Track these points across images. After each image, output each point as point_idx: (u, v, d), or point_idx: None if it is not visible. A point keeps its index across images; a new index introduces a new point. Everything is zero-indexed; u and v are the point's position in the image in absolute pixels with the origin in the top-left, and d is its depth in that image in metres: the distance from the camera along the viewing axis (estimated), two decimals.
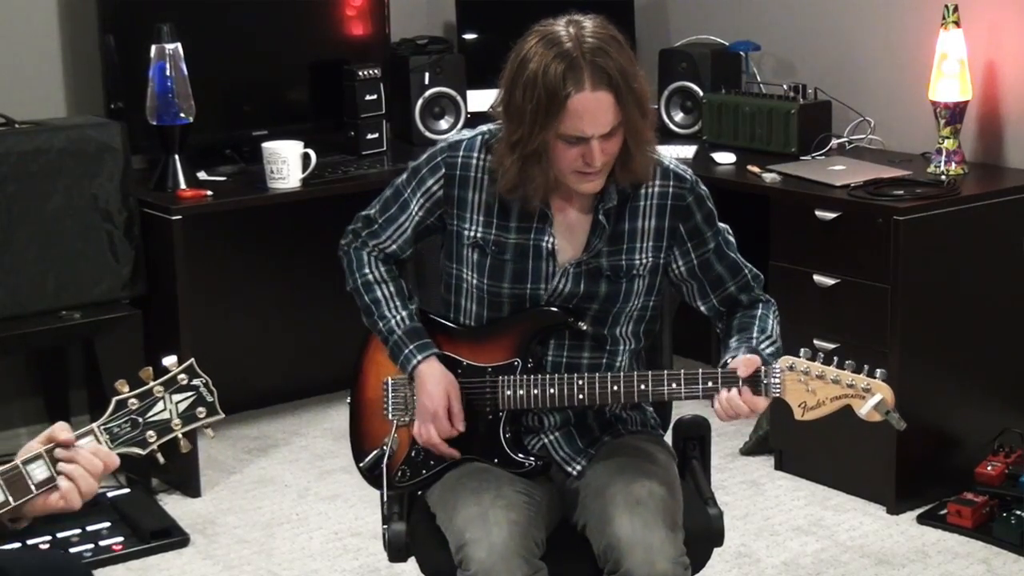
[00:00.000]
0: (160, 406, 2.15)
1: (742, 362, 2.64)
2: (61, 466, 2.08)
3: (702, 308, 2.84)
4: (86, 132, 4.19)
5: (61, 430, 2.11)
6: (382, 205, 2.85)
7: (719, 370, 2.65)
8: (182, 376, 2.17)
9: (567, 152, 2.62)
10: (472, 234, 2.76)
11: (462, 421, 2.75)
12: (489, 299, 2.78)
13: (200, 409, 2.17)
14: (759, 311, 2.81)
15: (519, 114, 2.61)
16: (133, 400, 2.13)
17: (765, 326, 2.77)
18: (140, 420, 2.13)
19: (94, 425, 2.12)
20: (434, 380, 2.75)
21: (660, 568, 2.57)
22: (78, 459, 2.08)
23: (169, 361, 2.17)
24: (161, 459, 2.18)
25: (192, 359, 2.18)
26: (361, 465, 2.87)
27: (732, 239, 2.83)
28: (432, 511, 2.78)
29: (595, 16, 2.66)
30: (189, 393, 2.16)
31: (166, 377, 2.16)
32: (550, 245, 2.73)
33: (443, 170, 2.77)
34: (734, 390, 2.62)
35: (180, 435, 2.16)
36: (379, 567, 3.86)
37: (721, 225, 2.82)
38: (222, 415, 2.19)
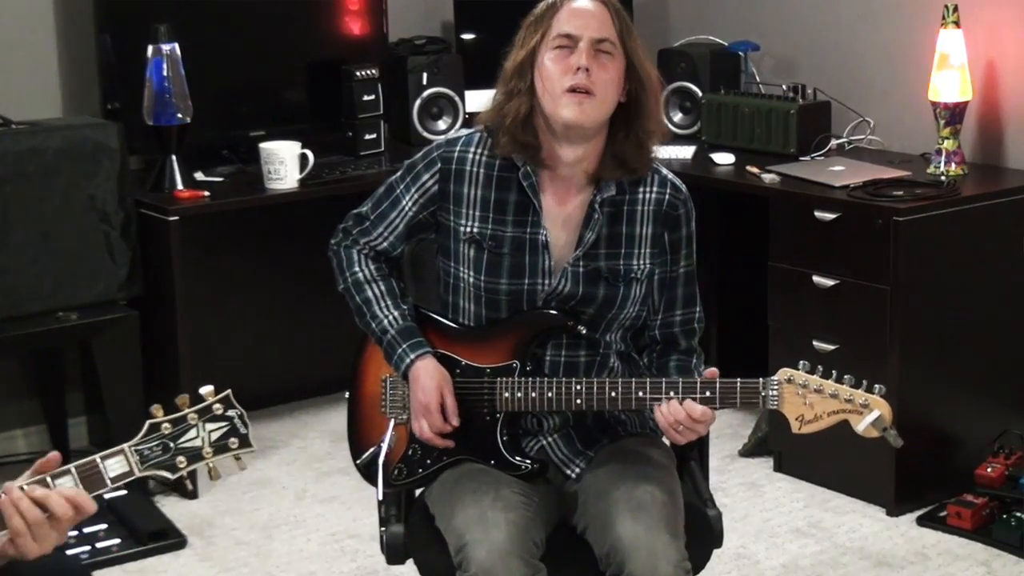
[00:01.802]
0: (193, 433, 2.16)
1: (714, 371, 2.65)
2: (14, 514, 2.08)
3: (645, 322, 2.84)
4: (83, 132, 4.18)
5: (48, 461, 2.12)
6: (374, 202, 2.85)
7: (716, 381, 2.63)
8: (217, 406, 2.18)
9: (556, 64, 2.66)
10: (468, 229, 2.75)
11: (456, 416, 2.73)
12: (487, 297, 2.76)
13: (233, 440, 2.19)
14: (693, 361, 2.82)
15: (519, 42, 2.71)
16: (166, 425, 2.15)
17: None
18: (172, 445, 2.15)
19: (124, 446, 2.14)
20: (427, 375, 2.74)
21: (663, 572, 2.56)
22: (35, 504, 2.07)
23: (205, 390, 2.19)
24: (189, 485, 2.21)
25: (229, 391, 2.20)
26: (358, 462, 2.87)
27: (695, 277, 2.85)
28: (431, 512, 2.77)
29: None
30: (223, 423, 2.18)
31: (201, 405, 2.18)
32: (544, 238, 2.73)
33: (439, 164, 2.77)
34: (673, 400, 2.62)
35: (210, 464, 2.19)
36: (377, 569, 3.85)
37: (695, 256, 2.83)
38: (254, 448, 2.21)
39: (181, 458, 2.15)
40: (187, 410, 2.17)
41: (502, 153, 2.74)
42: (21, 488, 2.10)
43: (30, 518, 2.07)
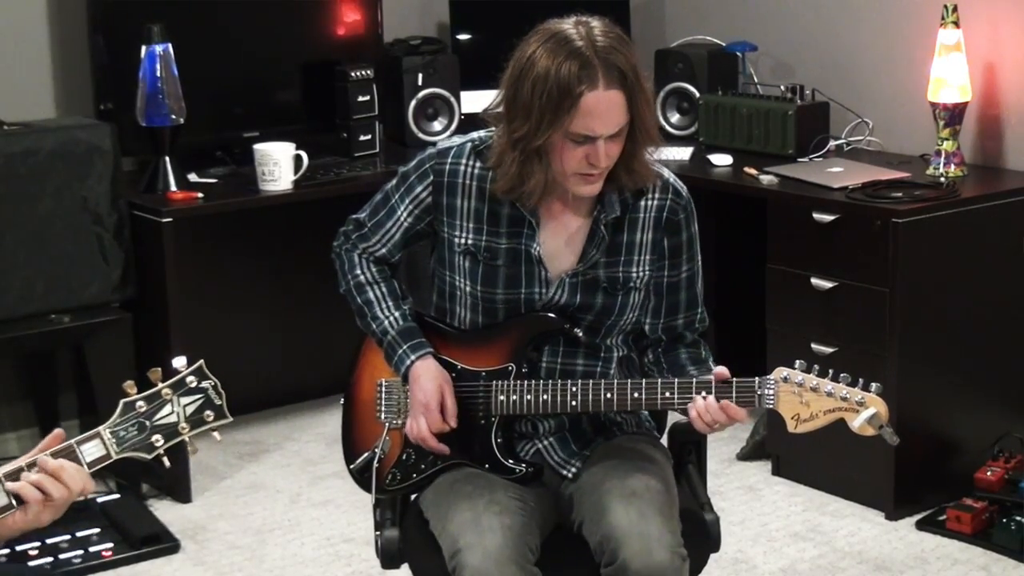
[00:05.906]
0: (168, 408, 2.14)
1: (725, 371, 2.63)
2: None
3: (645, 326, 2.81)
4: (75, 134, 4.16)
5: (54, 437, 2.12)
6: (372, 210, 2.84)
7: (711, 378, 2.62)
8: (191, 378, 2.16)
9: (572, 152, 2.59)
10: (463, 241, 2.73)
11: (454, 418, 2.71)
12: (484, 306, 2.75)
13: (208, 412, 2.17)
14: (703, 352, 2.81)
15: (525, 110, 2.58)
16: (141, 402, 2.13)
17: (712, 367, 2.74)
18: (147, 423, 2.13)
19: (100, 428, 2.11)
20: (428, 375, 2.72)
21: (658, 557, 2.55)
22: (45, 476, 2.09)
23: (179, 363, 2.17)
24: (167, 463, 2.18)
25: (201, 361, 2.17)
26: (352, 467, 2.85)
27: (699, 276, 2.82)
28: (425, 517, 2.75)
29: (600, 17, 2.64)
30: (197, 396, 2.16)
31: (175, 379, 2.15)
32: (537, 252, 2.70)
33: (431, 177, 2.75)
34: (710, 397, 2.60)
35: (187, 438, 2.16)
36: (372, 574, 3.83)
37: (698, 257, 2.80)
38: (230, 419, 2.19)
39: (157, 436, 2.13)
40: (161, 385, 2.14)
41: (500, 192, 2.68)
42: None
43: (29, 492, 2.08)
